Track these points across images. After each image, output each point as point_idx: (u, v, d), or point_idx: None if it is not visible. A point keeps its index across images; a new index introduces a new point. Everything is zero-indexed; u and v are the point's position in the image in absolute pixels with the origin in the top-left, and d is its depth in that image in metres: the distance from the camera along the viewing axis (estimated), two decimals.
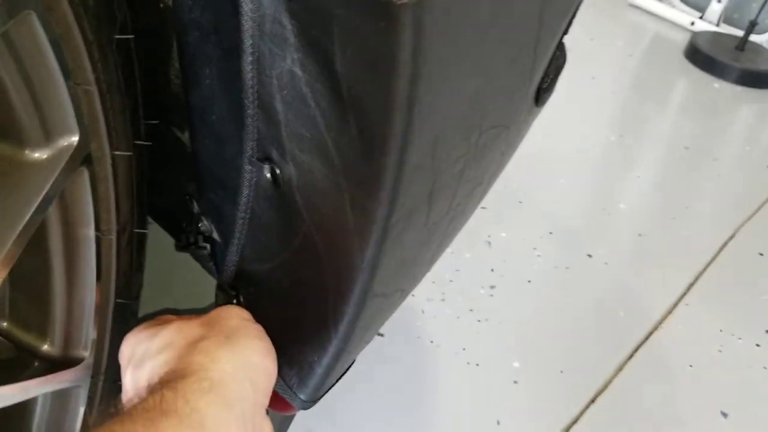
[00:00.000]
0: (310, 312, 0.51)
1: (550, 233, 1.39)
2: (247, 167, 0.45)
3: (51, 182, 0.41)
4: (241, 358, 0.42)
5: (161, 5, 0.46)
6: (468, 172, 0.54)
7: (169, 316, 0.49)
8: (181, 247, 0.55)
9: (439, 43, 0.36)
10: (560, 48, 0.65)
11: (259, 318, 0.51)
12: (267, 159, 0.43)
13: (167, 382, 0.38)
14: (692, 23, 2.49)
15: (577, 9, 0.62)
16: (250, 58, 0.39)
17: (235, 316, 0.47)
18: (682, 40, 2.37)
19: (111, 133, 0.44)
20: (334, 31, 0.35)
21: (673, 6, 2.59)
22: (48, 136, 0.41)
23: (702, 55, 2.25)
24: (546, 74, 0.62)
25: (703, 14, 2.51)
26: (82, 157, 0.43)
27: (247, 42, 0.38)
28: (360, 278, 0.47)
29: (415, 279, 0.65)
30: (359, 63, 0.35)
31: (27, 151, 0.41)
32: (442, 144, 0.44)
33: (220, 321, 0.45)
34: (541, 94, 0.63)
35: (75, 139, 0.42)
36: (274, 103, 0.40)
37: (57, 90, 0.40)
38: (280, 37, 0.37)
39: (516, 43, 0.49)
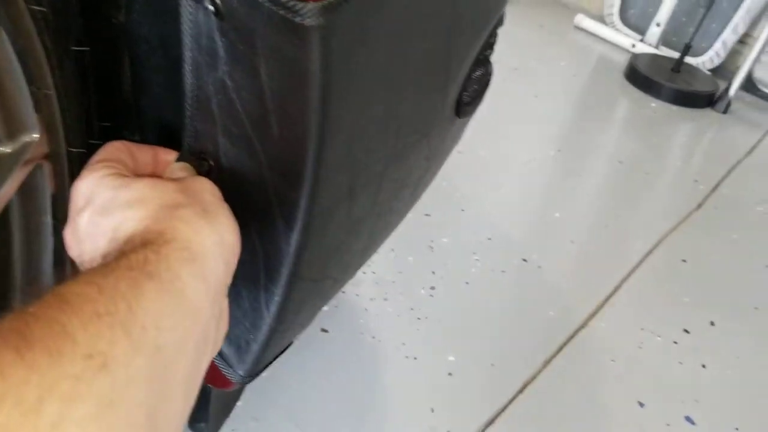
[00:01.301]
0: (245, 292, 0.55)
1: (489, 239, 1.45)
2: None
3: (13, 174, 0.46)
4: (218, 235, 0.40)
5: (114, 21, 0.52)
6: (390, 173, 0.60)
7: (125, 167, 0.45)
8: None
9: (346, 57, 0.42)
10: (485, 67, 0.72)
11: None
12: (202, 153, 0.48)
13: (148, 243, 0.36)
14: (633, 45, 2.59)
15: (494, 29, 0.70)
16: (189, 68, 0.45)
17: (209, 191, 0.44)
18: (624, 61, 2.46)
19: (68, 132, 0.48)
20: (257, 46, 0.40)
21: (616, 29, 2.70)
22: (12, 133, 0.46)
23: (640, 76, 2.35)
24: (464, 89, 0.69)
25: (644, 37, 2.61)
26: (42, 152, 0.48)
27: (187, 54, 0.44)
28: (287, 261, 0.52)
29: (346, 269, 0.71)
30: (278, 74, 0.41)
31: None
32: (358, 145, 0.51)
33: (195, 191, 0.43)
34: (462, 107, 0.70)
35: (35, 136, 0.46)
36: (210, 106, 0.46)
37: (21, 93, 0.44)
38: (213, 51, 0.43)
39: (426, 61, 0.56)
